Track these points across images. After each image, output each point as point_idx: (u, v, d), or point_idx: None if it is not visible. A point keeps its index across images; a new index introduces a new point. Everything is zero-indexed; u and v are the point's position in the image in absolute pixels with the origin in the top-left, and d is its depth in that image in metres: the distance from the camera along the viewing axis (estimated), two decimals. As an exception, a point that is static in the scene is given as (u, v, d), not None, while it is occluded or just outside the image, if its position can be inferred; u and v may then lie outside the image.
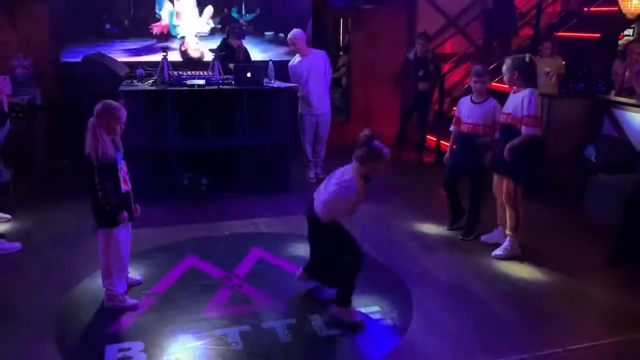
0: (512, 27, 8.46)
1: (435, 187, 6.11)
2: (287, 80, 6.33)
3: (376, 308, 3.73)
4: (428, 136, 7.67)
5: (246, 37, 6.92)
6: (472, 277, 4.22)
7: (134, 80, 5.95)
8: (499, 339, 3.42)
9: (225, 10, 7.62)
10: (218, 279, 4.10)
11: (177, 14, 7.38)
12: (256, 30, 7.71)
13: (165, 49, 6.06)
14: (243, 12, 7.69)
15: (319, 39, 8.23)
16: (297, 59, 6.44)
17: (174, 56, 7.10)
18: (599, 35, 7.62)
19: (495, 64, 7.12)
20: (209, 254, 4.53)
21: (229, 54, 6.32)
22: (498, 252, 4.55)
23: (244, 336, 3.37)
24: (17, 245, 4.55)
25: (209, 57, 6.27)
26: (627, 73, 6.06)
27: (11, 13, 6.91)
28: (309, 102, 6.41)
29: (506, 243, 4.54)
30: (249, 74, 5.81)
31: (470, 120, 4.74)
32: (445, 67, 8.15)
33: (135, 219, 3.77)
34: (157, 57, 6.40)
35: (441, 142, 7.47)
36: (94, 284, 3.90)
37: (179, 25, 7.42)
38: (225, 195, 5.95)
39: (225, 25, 7.11)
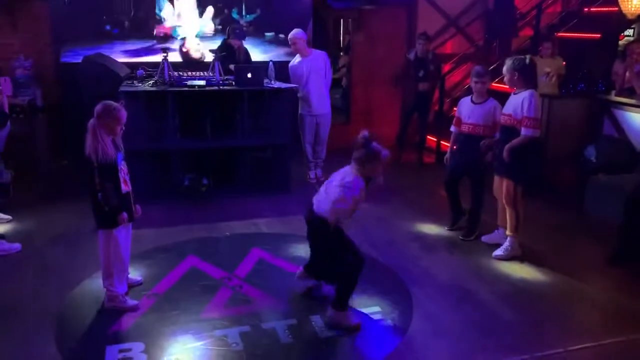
0: (513, 27, 8.47)
1: (435, 187, 6.12)
2: (287, 80, 6.33)
3: (377, 308, 3.73)
4: (428, 137, 7.66)
5: (246, 37, 6.92)
6: (472, 278, 4.22)
7: (135, 81, 5.95)
8: (499, 339, 3.42)
9: (226, 11, 7.62)
10: (218, 280, 4.10)
11: (178, 15, 7.39)
12: (256, 31, 7.70)
13: (165, 50, 6.06)
14: (243, 12, 7.69)
15: (320, 39, 8.22)
16: (297, 59, 6.43)
17: (174, 57, 7.10)
18: (599, 35, 7.62)
19: (495, 65, 7.14)
20: (210, 254, 4.53)
21: (230, 54, 6.32)
22: (498, 252, 4.55)
23: (244, 337, 3.37)
24: (17, 246, 4.55)
25: (209, 57, 6.28)
26: (627, 73, 6.05)
27: (12, 14, 6.91)
28: (309, 102, 6.40)
29: (506, 243, 4.54)
30: (249, 75, 5.82)
31: (471, 121, 4.74)
32: (446, 68, 8.15)
33: (135, 219, 3.77)
34: (157, 57, 6.41)
35: (441, 142, 7.47)
36: (95, 285, 3.90)
37: (180, 26, 7.42)
38: (226, 196, 5.95)
39: (225, 26, 7.11)
